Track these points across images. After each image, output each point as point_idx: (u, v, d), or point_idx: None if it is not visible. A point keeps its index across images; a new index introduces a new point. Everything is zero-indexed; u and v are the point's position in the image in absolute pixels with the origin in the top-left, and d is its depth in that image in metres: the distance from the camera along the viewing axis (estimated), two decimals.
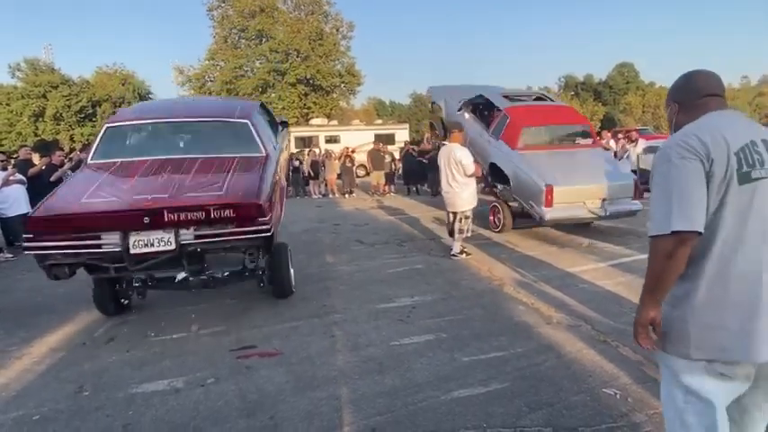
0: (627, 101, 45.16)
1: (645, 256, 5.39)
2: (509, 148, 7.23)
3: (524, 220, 7.25)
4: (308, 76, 32.01)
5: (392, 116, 53.27)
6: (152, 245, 3.35)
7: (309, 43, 31.58)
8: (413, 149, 15.10)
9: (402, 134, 23.97)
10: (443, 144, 6.38)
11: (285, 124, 6.88)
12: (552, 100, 8.83)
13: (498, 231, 7.33)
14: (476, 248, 6.51)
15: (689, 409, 1.43)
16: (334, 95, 35.66)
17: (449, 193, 5.96)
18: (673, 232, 1.35)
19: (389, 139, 23.08)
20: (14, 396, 3.13)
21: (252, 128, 4.54)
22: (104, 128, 4.55)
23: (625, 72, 50.43)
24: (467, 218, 5.98)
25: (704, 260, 1.40)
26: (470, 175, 5.83)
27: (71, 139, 29.80)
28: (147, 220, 3.31)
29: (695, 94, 1.54)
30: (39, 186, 7.52)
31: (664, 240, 1.37)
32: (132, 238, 3.35)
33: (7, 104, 29.21)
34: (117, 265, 3.52)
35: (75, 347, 3.83)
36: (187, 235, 3.39)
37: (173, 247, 3.36)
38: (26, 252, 3.43)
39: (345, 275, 5.46)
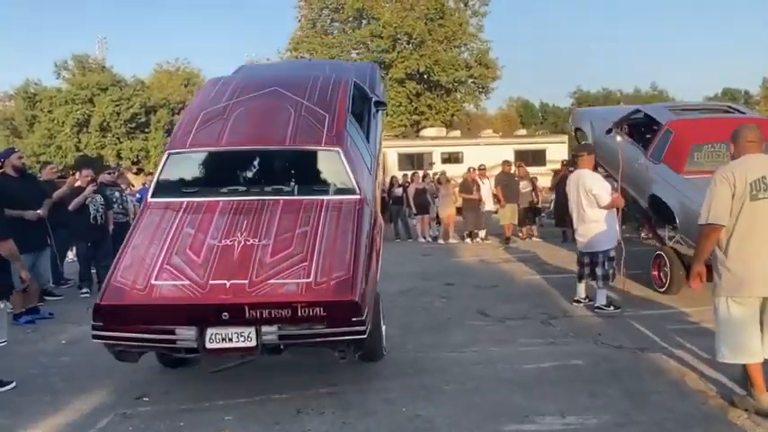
0: None
1: None
2: (673, 171, 7.73)
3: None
4: (422, 70, 32.88)
5: (544, 125, 52.36)
6: (230, 340, 4.06)
7: (426, 24, 32.56)
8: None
9: (557, 150, 23.20)
10: (571, 169, 7.76)
11: (381, 105, 7.38)
12: (743, 112, 8.85)
13: (664, 291, 7.76)
14: (675, 336, 5.83)
15: (721, 321, 4.07)
16: (458, 95, 36.04)
17: (583, 229, 6.97)
18: (708, 223, 3.91)
19: (538, 156, 22.45)
20: None
21: (343, 158, 5.18)
22: (166, 155, 5.39)
23: None
24: (610, 259, 6.92)
25: (728, 240, 3.92)
26: (606, 207, 6.80)
27: (118, 154, 33.68)
28: (226, 316, 4.04)
29: (742, 140, 4.04)
30: (59, 215, 8.27)
31: (704, 227, 3.95)
32: (209, 333, 4.06)
33: (49, 111, 34.00)
34: (191, 355, 4.38)
35: None
36: (270, 334, 4.08)
37: (253, 344, 4.06)
38: (94, 340, 4.26)
39: (456, 368, 5.20)
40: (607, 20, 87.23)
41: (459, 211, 15.33)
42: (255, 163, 5.49)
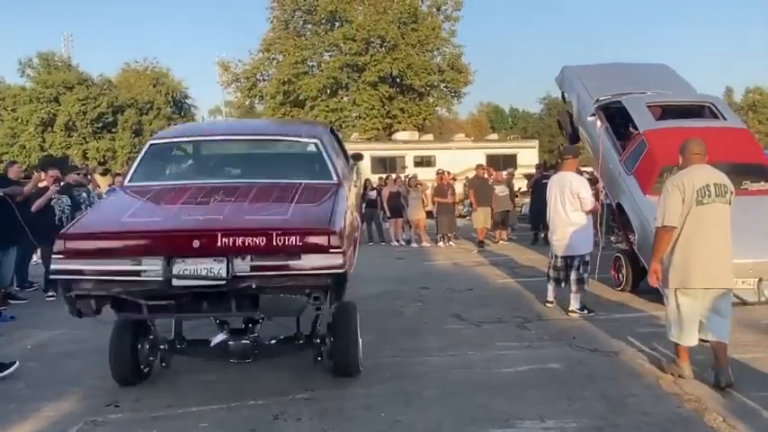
0: None
1: None
2: (640, 190, 7.88)
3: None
4: (395, 73, 32.90)
5: (514, 130, 52.88)
6: (199, 274, 3.90)
7: (399, 28, 32.65)
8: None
9: (528, 154, 23.53)
10: (546, 173, 8.08)
11: (358, 158, 7.82)
12: (725, 117, 8.89)
13: (621, 289, 8.16)
14: (647, 339, 5.88)
15: (672, 309, 4.75)
16: (431, 99, 36.15)
17: (562, 233, 7.00)
18: (663, 226, 4.63)
19: (509, 161, 22.65)
20: None
21: (322, 149, 5.31)
22: (148, 145, 5.46)
23: None
24: (585, 264, 7.04)
25: (677, 240, 4.61)
26: (590, 211, 7.00)
27: (84, 155, 33.02)
28: (196, 243, 3.90)
29: (688, 153, 4.71)
30: (24, 216, 8.04)
31: (659, 229, 4.70)
32: (177, 267, 3.89)
33: (12, 110, 33.24)
34: (152, 302, 4.07)
35: None
36: (242, 265, 3.93)
37: (224, 275, 3.87)
38: (53, 276, 4.15)
39: (435, 372, 5.20)
40: (576, 27, 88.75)
41: (430, 214, 15.38)
42: (236, 152, 5.67)
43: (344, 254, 4.08)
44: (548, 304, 7.35)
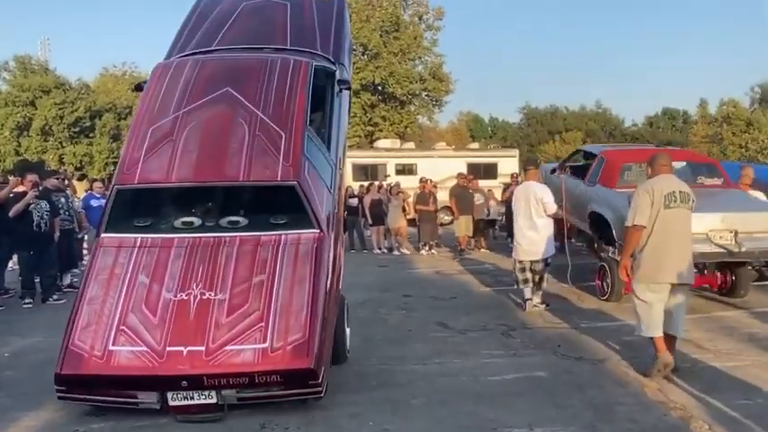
0: None
1: None
2: (607, 188, 8.70)
3: None
4: (377, 81, 32.94)
5: (494, 138, 53.29)
6: (192, 398, 4.29)
7: (381, 36, 32.70)
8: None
9: (508, 164, 23.58)
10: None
11: (344, 84, 6.83)
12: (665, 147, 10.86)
13: (606, 299, 8.23)
14: (631, 347, 5.89)
15: (641, 303, 5.19)
16: (412, 108, 36.22)
17: (531, 238, 7.54)
18: (633, 225, 5.15)
19: (490, 170, 22.78)
20: None
21: (300, 192, 5.08)
22: (115, 191, 5.25)
23: None
24: (548, 265, 7.70)
25: (648, 239, 5.10)
26: (551, 215, 7.59)
27: (60, 160, 32.47)
28: (185, 383, 4.23)
29: (657, 164, 5.33)
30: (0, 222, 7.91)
31: (630, 228, 5.22)
32: (170, 394, 4.26)
33: None
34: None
35: None
36: (230, 396, 4.33)
37: (214, 401, 4.32)
38: (60, 399, 4.41)
39: (420, 380, 5.20)
40: (556, 38, 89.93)
41: (412, 222, 15.38)
42: (209, 197, 5.44)
43: (323, 378, 4.35)
44: (534, 308, 7.60)
